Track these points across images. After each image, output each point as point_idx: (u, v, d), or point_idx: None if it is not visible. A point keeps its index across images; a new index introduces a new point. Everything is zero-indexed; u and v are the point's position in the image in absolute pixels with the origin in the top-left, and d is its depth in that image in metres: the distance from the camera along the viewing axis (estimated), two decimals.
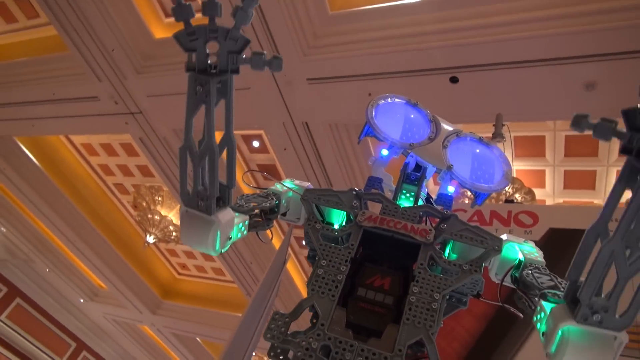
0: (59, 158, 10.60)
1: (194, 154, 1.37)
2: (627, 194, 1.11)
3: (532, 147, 6.99)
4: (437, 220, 1.54)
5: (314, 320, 1.37)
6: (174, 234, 10.37)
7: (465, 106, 5.96)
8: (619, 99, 4.57)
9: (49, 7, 7.29)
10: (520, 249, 1.51)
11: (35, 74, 8.75)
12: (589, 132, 1.06)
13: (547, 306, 1.28)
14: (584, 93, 5.04)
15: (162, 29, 7.62)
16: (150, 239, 10.23)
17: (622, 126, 1.02)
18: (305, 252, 1.70)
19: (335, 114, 6.92)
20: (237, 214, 1.52)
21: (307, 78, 6.49)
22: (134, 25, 7.39)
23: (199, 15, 1.22)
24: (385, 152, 1.79)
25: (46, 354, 14.29)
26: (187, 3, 1.22)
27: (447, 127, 1.82)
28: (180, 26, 1.27)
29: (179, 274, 12.89)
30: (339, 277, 1.39)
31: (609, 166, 6.51)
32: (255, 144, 8.33)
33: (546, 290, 1.32)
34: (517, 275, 1.46)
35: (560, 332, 1.20)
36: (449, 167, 1.68)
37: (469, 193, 1.77)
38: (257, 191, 1.73)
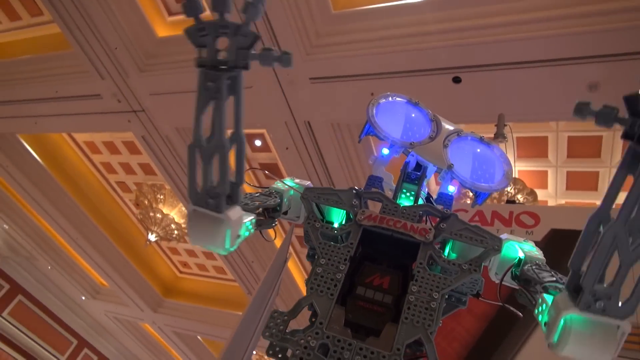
0: (62, 156, 10.62)
1: (204, 151, 1.35)
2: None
3: (534, 148, 6.97)
4: (437, 219, 1.54)
5: (313, 319, 1.37)
6: (175, 232, 10.39)
7: (468, 106, 5.94)
8: (622, 100, 4.54)
9: (53, 4, 7.30)
10: (520, 247, 1.51)
11: (38, 71, 8.77)
12: (591, 120, 1.06)
13: (549, 298, 1.28)
14: (587, 94, 5.02)
15: (165, 27, 7.62)
16: (152, 237, 10.24)
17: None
18: (307, 251, 1.69)
19: (337, 113, 6.91)
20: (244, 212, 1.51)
21: (310, 77, 6.49)
22: (137, 24, 7.40)
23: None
24: (385, 151, 1.78)
25: (48, 351, 14.33)
26: None
27: (448, 126, 1.81)
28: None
29: (181, 272, 12.91)
30: (338, 275, 1.39)
31: (612, 167, 6.50)
32: (258, 142, 8.34)
33: (547, 284, 1.32)
34: (517, 272, 1.46)
35: (562, 320, 1.19)
36: (450, 167, 1.67)
37: (470, 194, 1.77)
38: (259, 190, 1.73)
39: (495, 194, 6.52)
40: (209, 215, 1.39)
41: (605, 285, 1.16)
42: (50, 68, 8.67)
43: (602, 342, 1.17)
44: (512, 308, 1.46)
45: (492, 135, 4.85)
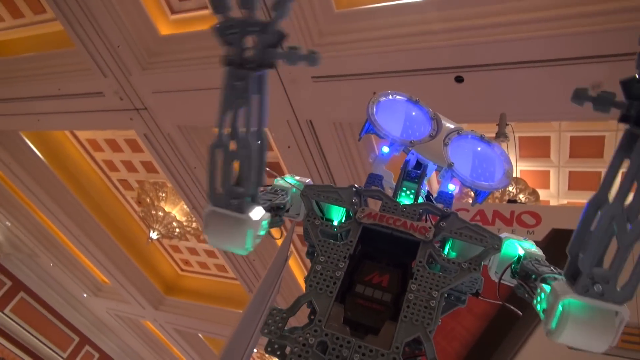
0: (64, 153, 10.63)
1: (227, 151, 1.34)
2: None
3: (537, 148, 6.96)
4: (437, 218, 1.54)
5: (312, 317, 1.37)
6: (177, 230, 10.40)
7: (470, 106, 5.93)
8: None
9: (56, 2, 7.31)
10: (520, 245, 1.50)
11: (41, 69, 8.78)
12: (588, 105, 1.07)
13: (547, 287, 1.27)
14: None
15: (168, 25, 7.62)
16: (154, 235, 10.25)
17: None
18: (306, 249, 1.69)
19: (339, 112, 6.91)
20: None
21: (312, 76, 6.48)
22: (140, 22, 7.40)
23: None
24: (386, 149, 1.78)
25: (49, 348, 14.36)
26: None
27: (449, 124, 1.81)
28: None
29: (182, 270, 12.93)
30: (337, 273, 1.39)
31: None
32: None
33: (546, 275, 1.31)
34: (517, 269, 1.46)
35: (560, 305, 1.19)
36: (450, 165, 1.67)
37: (472, 193, 1.77)
38: (264, 188, 1.72)
39: (497, 194, 6.51)
40: (230, 216, 1.38)
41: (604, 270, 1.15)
42: (52, 66, 8.68)
43: (600, 328, 1.16)
44: (511, 307, 1.46)
45: (494, 135, 4.84)
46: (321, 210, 1.62)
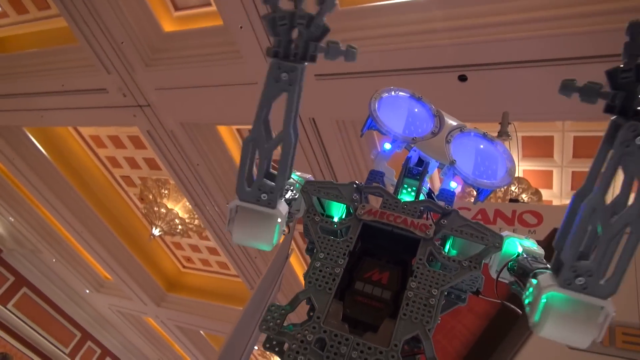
0: (67, 149, 10.66)
1: (263, 146, 1.32)
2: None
3: (540, 148, 6.93)
4: (438, 215, 1.53)
5: (311, 313, 1.36)
6: (179, 227, 10.41)
7: (474, 105, 5.91)
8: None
9: None
10: (520, 244, 1.49)
11: (44, 65, 8.80)
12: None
13: (535, 281, 1.26)
14: None
15: (172, 22, 7.62)
16: (156, 231, 10.27)
17: None
18: (306, 246, 1.68)
19: (342, 110, 6.90)
20: None
21: (315, 74, 6.47)
22: (144, 18, 7.41)
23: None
24: (387, 145, 1.77)
25: (51, 344, 14.42)
26: None
27: (451, 121, 1.80)
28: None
29: (184, 267, 12.95)
30: (336, 270, 1.38)
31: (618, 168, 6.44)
32: None
33: (537, 270, 1.30)
34: (514, 266, 1.45)
35: (544, 298, 1.17)
36: (452, 162, 1.66)
37: (474, 192, 1.76)
38: None
39: (500, 193, 6.49)
40: (259, 211, 1.37)
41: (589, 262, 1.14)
42: (56, 62, 8.70)
43: (584, 322, 1.14)
44: (511, 305, 1.45)
45: (496, 134, 4.82)
46: (322, 207, 1.61)
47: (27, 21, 9.26)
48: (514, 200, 6.02)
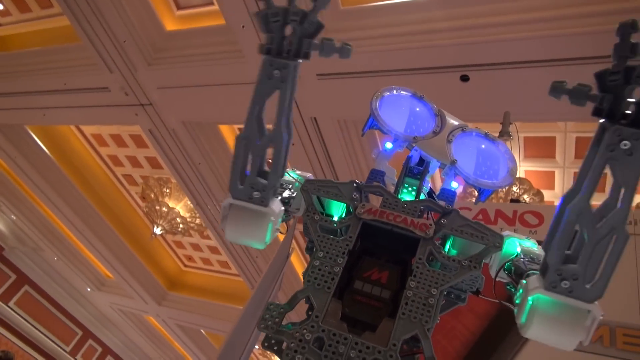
0: (69, 148, 10.67)
1: (256, 144, 1.32)
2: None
3: (542, 148, 6.92)
4: (439, 215, 1.52)
5: (309, 312, 1.36)
6: (181, 226, 10.41)
7: (476, 105, 5.90)
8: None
9: None
10: (520, 244, 1.49)
11: (47, 63, 8.81)
12: (565, 98, 1.07)
13: (525, 283, 1.26)
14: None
15: (174, 21, 7.63)
16: (158, 230, 10.28)
17: None
18: (306, 244, 1.68)
19: (344, 110, 6.89)
20: None
21: (317, 73, 6.47)
22: (146, 17, 7.41)
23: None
24: (389, 145, 1.76)
25: (53, 341, 14.44)
26: None
27: (453, 121, 1.79)
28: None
29: (185, 266, 12.96)
30: (335, 269, 1.38)
31: None
32: None
33: (530, 271, 1.30)
34: (512, 267, 1.44)
35: (530, 300, 1.17)
36: (453, 162, 1.65)
37: (476, 193, 1.75)
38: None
39: (501, 194, 6.48)
40: (252, 209, 1.36)
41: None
42: (59, 60, 8.71)
43: (569, 326, 1.14)
44: (510, 305, 1.44)
45: (498, 134, 4.81)
46: (322, 206, 1.61)
47: (30, 20, 9.28)
48: (515, 200, 6.01)
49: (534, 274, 1.28)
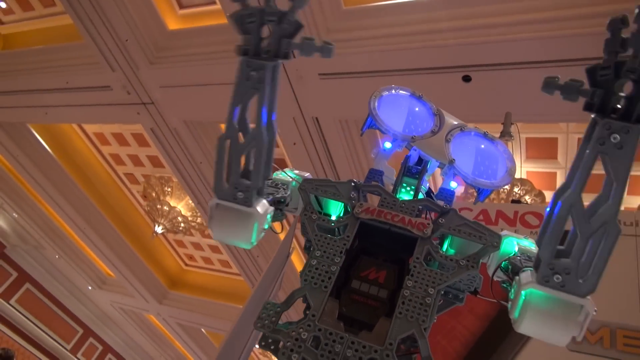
0: (71, 146, 10.69)
1: (237, 143, 1.32)
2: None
3: (544, 149, 6.91)
4: (437, 214, 1.52)
5: (307, 312, 1.35)
6: (182, 225, 10.42)
7: (478, 105, 5.89)
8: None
9: None
10: (518, 243, 1.48)
11: (49, 62, 8.83)
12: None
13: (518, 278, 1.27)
14: None
15: (176, 20, 7.64)
16: (159, 229, 10.29)
17: None
18: (304, 243, 1.67)
19: (346, 110, 6.89)
20: None
21: (319, 73, 6.46)
22: (149, 16, 7.42)
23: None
24: (388, 144, 1.76)
25: (54, 339, 14.46)
26: None
27: (452, 120, 1.78)
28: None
29: (186, 265, 12.97)
30: (332, 268, 1.38)
31: None
32: None
33: (525, 268, 1.30)
34: (509, 266, 1.44)
35: (523, 294, 1.17)
36: (451, 162, 1.65)
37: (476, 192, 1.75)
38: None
39: (503, 195, 6.47)
40: (236, 210, 1.37)
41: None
42: (61, 59, 8.72)
43: (562, 320, 1.13)
44: (507, 304, 1.44)
45: (499, 134, 4.80)
46: (320, 205, 1.61)
47: (33, 18, 9.30)
48: (517, 201, 6.00)
49: (526, 269, 1.28)
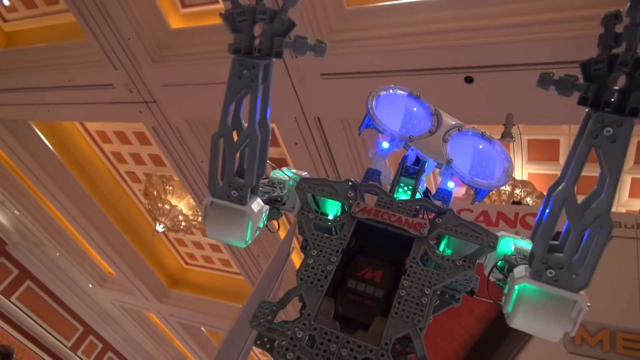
0: (73, 144, 10.71)
1: (231, 142, 1.32)
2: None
3: (546, 151, 6.89)
4: (434, 214, 1.51)
5: (303, 311, 1.35)
6: (183, 223, 10.43)
7: (480, 106, 5.88)
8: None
9: None
10: (514, 243, 1.48)
11: (52, 60, 8.84)
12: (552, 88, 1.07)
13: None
14: None
15: (179, 19, 7.64)
16: (160, 227, 10.29)
17: None
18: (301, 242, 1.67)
19: (348, 110, 6.88)
20: None
21: (321, 73, 6.46)
22: (151, 15, 7.43)
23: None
24: (385, 144, 1.75)
25: (54, 337, 14.48)
26: None
27: (450, 120, 1.78)
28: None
29: (187, 263, 12.97)
30: (328, 267, 1.37)
31: (624, 173, 6.41)
32: None
33: (520, 264, 1.30)
34: (503, 265, 1.44)
35: (516, 289, 1.17)
36: (449, 162, 1.64)
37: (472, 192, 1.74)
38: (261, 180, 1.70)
39: (504, 196, 6.46)
40: (231, 208, 1.37)
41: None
42: (64, 57, 8.74)
43: (555, 315, 1.13)
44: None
45: (500, 135, 4.79)
46: (317, 204, 1.60)
47: (36, 16, 9.32)
48: (518, 203, 5.98)
49: (522, 265, 1.27)
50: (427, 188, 1.74)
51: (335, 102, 6.74)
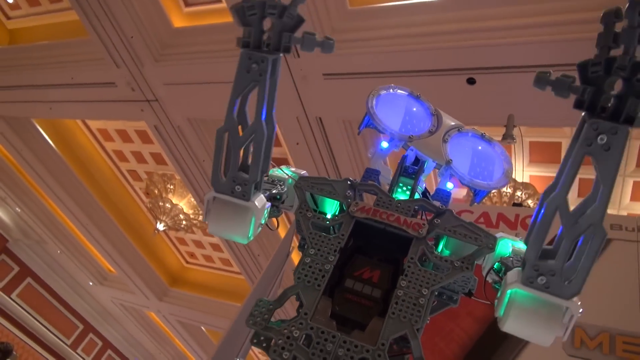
0: (75, 142, 10.72)
1: (236, 136, 1.31)
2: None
3: (548, 154, 6.87)
4: (433, 214, 1.51)
5: (300, 310, 1.35)
6: (184, 222, 10.43)
7: (482, 108, 5.87)
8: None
9: None
10: (512, 245, 1.47)
11: (54, 57, 8.86)
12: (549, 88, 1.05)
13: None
14: None
15: (182, 18, 7.65)
16: (161, 226, 10.30)
17: None
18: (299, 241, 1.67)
19: (349, 110, 6.88)
20: None
21: (323, 73, 6.46)
22: (154, 13, 7.43)
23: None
24: (385, 144, 1.75)
25: (54, 334, 14.50)
26: None
27: (450, 121, 1.77)
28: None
29: (187, 262, 12.98)
30: (326, 266, 1.37)
31: (625, 176, 6.38)
32: None
33: (515, 267, 1.29)
34: (502, 267, 1.43)
35: (508, 293, 1.17)
36: (448, 162, 1.64)
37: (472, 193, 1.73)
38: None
39: (505, 198, 6.44)
40: (234, 204, 1.36)
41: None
42: (66, 54, 8.75)
43: (546, 320, 1.13)
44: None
45: (501, 137, 4.78)
46: (315, 203, 1.60)
47: (39, 13, 9.33)
48: (518, 204, 5.97)
49: (516, 269, 1.27)
50: (425, 188, 1.74)
51: (337, 103, 6.73)
